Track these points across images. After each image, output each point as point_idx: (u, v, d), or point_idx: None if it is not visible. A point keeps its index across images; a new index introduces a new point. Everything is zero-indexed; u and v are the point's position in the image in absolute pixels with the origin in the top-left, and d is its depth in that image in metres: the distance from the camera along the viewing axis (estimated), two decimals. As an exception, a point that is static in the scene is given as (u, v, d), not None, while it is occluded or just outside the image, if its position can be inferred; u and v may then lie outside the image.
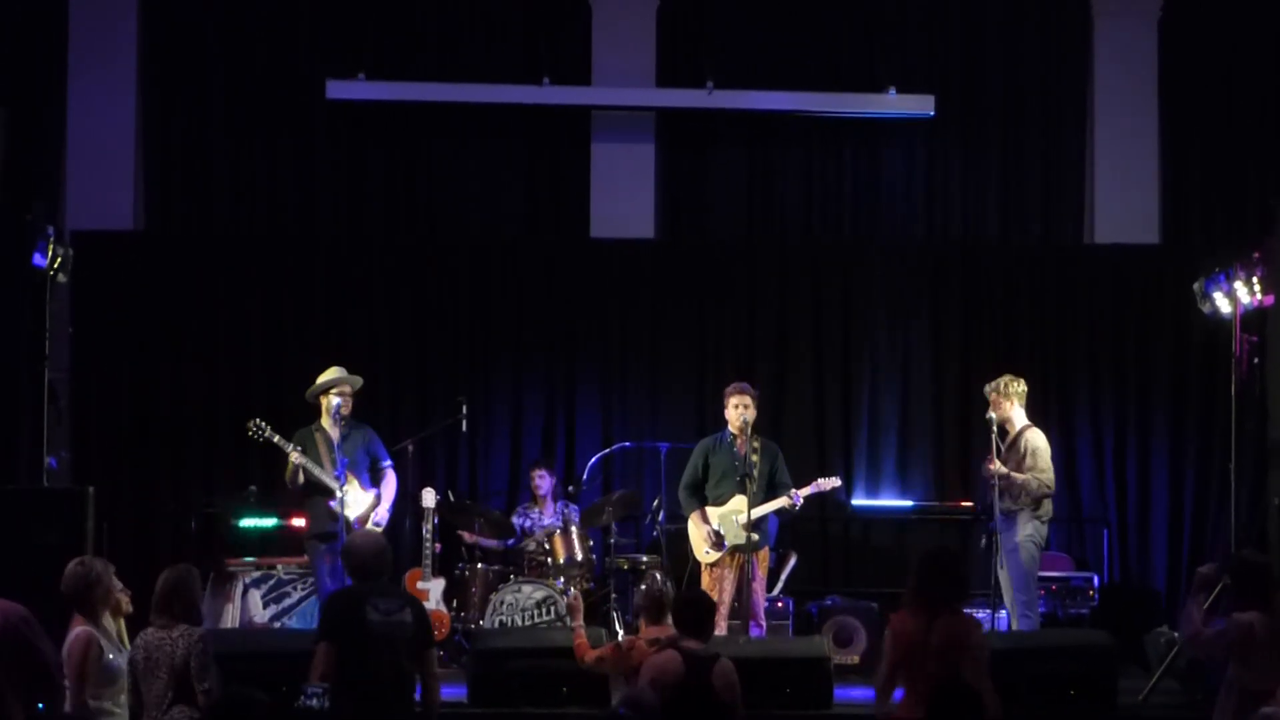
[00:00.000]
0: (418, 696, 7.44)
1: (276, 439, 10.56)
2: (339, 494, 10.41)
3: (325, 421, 10.76)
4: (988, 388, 11.11)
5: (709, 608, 7.85)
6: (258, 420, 10.66)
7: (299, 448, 10.55)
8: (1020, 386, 11.06)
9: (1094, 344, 13.43)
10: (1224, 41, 13.70)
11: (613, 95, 13.44)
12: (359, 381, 10.98)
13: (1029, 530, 10.70)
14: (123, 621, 7.76)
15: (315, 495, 10.61)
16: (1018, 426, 10.98)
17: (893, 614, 7.36)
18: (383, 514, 10.76)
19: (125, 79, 13.30)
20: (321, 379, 10.87)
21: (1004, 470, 10.68)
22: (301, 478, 10.55)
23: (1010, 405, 11.01)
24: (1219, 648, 7.36)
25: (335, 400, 10.73)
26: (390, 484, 10.92)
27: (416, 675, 7.33)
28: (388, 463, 10.96)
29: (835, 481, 11.15)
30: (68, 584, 7.27)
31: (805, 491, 10.82)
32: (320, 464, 10.55)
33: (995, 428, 10.77)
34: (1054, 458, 12.93)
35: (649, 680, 7.12)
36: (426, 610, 7.54)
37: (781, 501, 10.74)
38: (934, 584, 7.20)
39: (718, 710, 7.10)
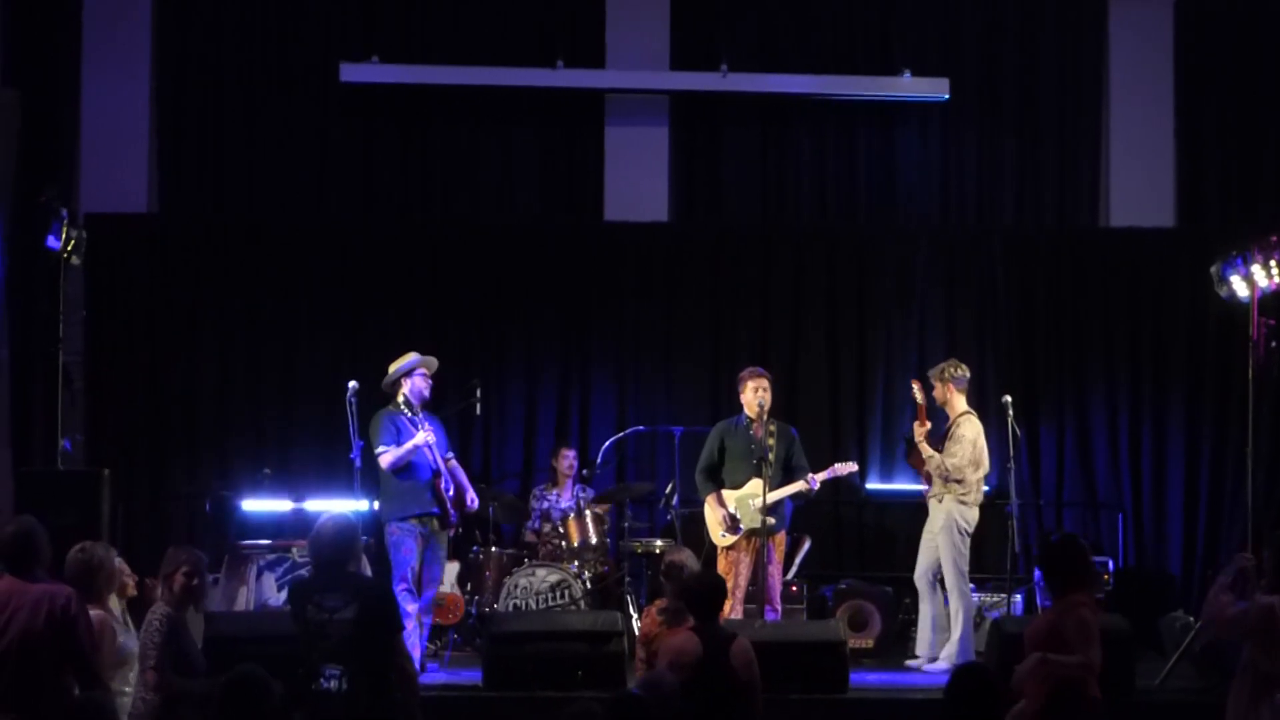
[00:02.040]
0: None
1: (417, 420, 10.43)
2: (445, 478, 10.37)
3: (405, 406, 10.52)
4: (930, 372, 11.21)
5: (721, 590, 7.82)
6: (405, 395, 10.50)
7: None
8: (959, 371, 11.05)
9: (1110, 328, 13.39)
10: (1240, 23, 13.65)
11: (627, 78, 13.41)
12: (435, 364, 10.78)
13: (949, 511, 10.81)
14: (124, 603, 7.82)
15: (413, 477, 10.39)
16: (956, 412, 11.02)
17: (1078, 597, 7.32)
18: (474, 498, 10.67)
19: (139, 61, 13.28)
20: (402, 362, 10.60)
21: (929, 451, 10.78)
22: (407, 459, 10.34)
23: (948, 390, 11.00)
24: (1240, 629, 7.34)
25: (420, 383, 10.61)
26: (461, 470, 10.77)
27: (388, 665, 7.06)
28: (451, 453, 10.80)
29: (851, 466, 11.11)
30: (71, 571, 7.32)
31: (821, 476, 10.79)
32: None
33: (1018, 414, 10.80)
34: (1068, 442, 13.04)
35: (667, 662, 7.11)
36: (387, 602, 7.24)
37: (798, 485, 10.71)
38: (1052, 574, 7.28)
39: (737, 689, 7.11)
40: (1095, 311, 13.40)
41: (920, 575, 11.00)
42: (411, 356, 10.67)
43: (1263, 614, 7.17)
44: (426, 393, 10.62)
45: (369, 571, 9.74)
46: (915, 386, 11.25)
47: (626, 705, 5.78)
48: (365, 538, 8.44)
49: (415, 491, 10.35)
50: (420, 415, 10.52)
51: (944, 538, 10.80)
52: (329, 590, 7.00)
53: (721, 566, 10.64)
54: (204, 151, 13.47)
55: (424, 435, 10.30)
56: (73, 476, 11.02)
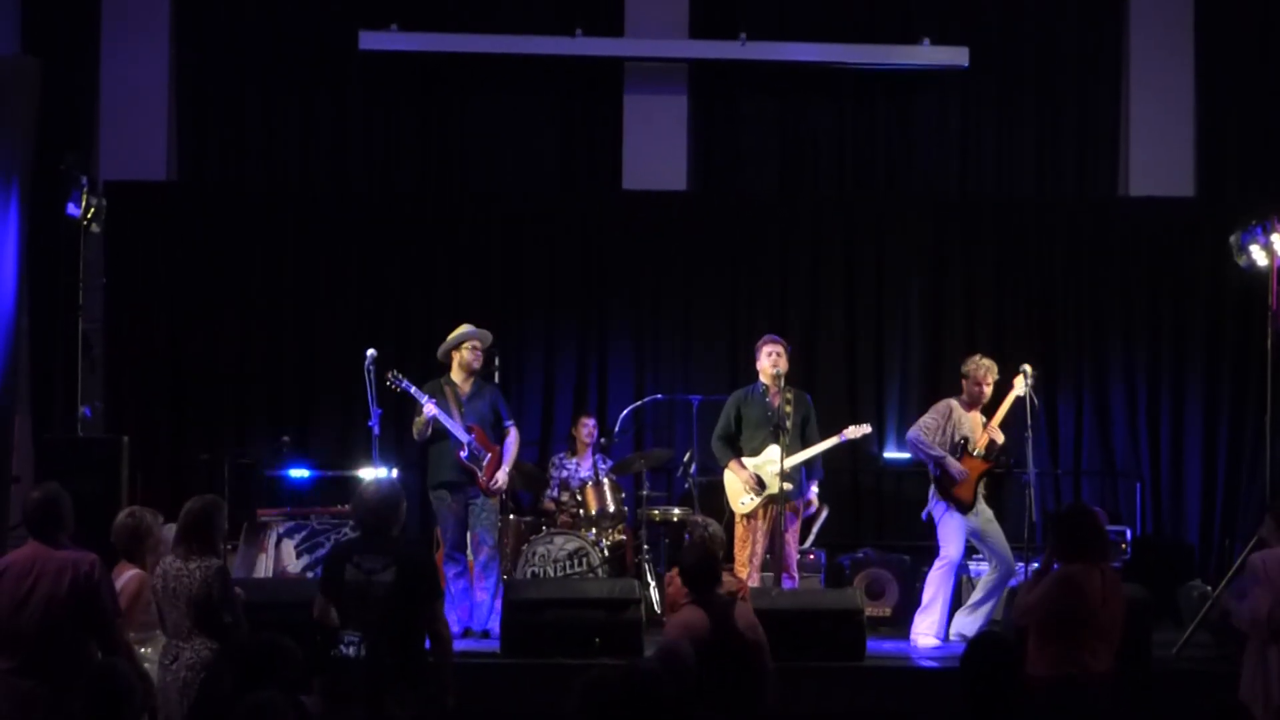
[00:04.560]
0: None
1: (413, 390, 10.57)
2: (466, 446, 10.54)
3: (456, 376, 10.83)
4: (981, 367, 10.85)
5: (714, 562, 7.62)
6: (395, 371, 10.63)
7: (432, 399, 10.58)
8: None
9: (1129, 297, 13.38)
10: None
11: (645, 46, 13.38)
12: (489, 337, 11.03)
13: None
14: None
15: (442, 446, 10.66)
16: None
17: (1066, 568, 7.27)
18: (502, 475, 10.76)
19: (159, 29, 13.29)
20: (454, 334, 10.88)
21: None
22: (429, 429, 10.60)
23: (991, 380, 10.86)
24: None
25: (469, 354, 10.80)
26: (512, 444, 10.90)
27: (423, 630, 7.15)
28: (509, 422, 10.93)
29: (865, 429, 11.07)
30: (118, 535, 7.50)
31: (838, 439, 10.80)
32: (450, 416, 10.60)
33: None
34: (1087, 411, 13.14)
35: (678, 637, 7.12)
36: (426, 567, 7.31)
37: (833, 441, 10.74)
38: (1087, 541, 7.30)
39: (747, 652, 7.10)
40: (1114, 281, 13.38)
41: (956, 562, 10.81)
42: (464, 329, 10.88)
43: None
44: (476, 365, 10.87)
45: None
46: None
47: (637, 677, 5.76)
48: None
49: (439, 460, 10.70)
50: (470, 386, 10.80)
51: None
52: (369, 552, 7.12)
53: (739, 534, 10.66)
54: (223, 119, 13.49)
55: (428, 408, 10.51)
56: (92, 443, 11.05)
